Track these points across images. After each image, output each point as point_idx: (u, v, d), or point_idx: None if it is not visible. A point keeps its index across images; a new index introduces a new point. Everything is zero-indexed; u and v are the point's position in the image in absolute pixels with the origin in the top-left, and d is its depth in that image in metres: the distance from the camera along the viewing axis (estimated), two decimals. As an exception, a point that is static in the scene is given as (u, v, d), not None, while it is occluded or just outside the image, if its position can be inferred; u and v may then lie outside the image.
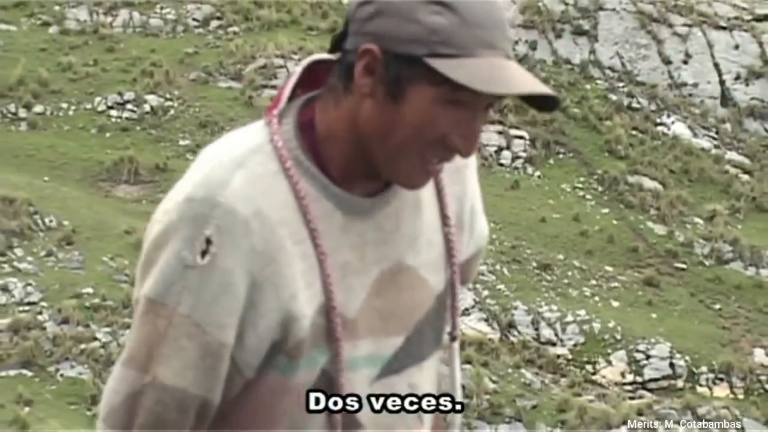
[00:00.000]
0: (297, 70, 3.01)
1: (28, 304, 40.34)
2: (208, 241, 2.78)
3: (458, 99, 2.81)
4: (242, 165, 2.86)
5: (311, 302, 2.88)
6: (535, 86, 2.79)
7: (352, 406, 2.99)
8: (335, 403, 2.96)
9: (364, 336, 2.99)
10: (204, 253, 2.79)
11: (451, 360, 3.20)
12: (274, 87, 52.46)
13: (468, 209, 3.23)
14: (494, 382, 39.91)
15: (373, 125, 2.86)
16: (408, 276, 3.05)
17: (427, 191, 3.07)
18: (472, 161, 3.21)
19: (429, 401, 3.16)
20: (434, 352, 3.18)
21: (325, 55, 3.03)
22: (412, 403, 3.11)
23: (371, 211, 2.98)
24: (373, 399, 3.03)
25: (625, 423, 39.85)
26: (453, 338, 3.17)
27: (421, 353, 3.12)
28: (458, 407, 3.24)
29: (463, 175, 3.18)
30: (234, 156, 2.89)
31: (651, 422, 39.94)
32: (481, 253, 3.37)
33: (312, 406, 2.95)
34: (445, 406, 3.24)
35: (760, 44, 59.07)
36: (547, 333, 43.36)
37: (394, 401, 3.06)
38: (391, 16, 2.80)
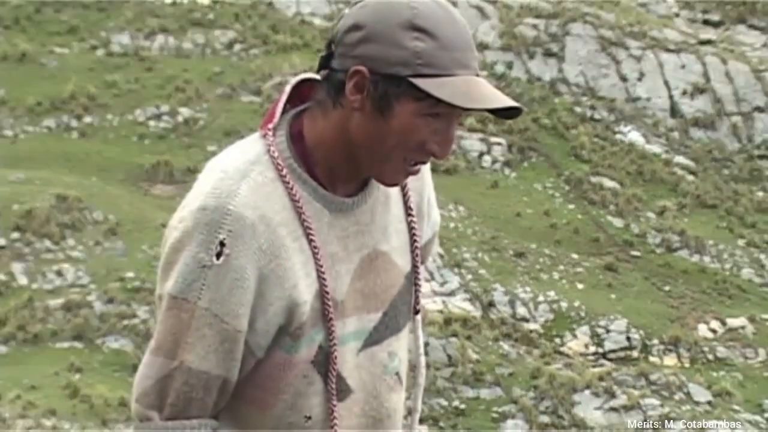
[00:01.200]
0: (286, 88, 3.10)
1: (79, 286, 40.31)
2: (222, 244, 2.88)
3: (437, 112, 2.92)
4: (246, 175, 2.96)
5: (309, 289, 2.98)
6: (503, 101, 2.94)
7: (343, 374, 3.07)
8: (330, 374, 3.04)
9: (350, 314, 3.08)
10: (219, 255, 2.87)
11: (415, 329, 3.29)
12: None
13: (426, 200, 3.35)
14: (476, 352, 39.87)
15: (362, 135, 2.95)
16: (383, 260, 3.15)
17: (394, 189, 3.19)
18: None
19: (402, 367, 3.24)
20: (407, 324, 3.26)
21: (309, 75, 3.11)
22: (391, 368, 3.19)
23: (351, 208, 3.08)
24: (359, 367, 3.11)
25: (588, 387, 39.85)
26: (416, 311, 3.26)
27: (397, 325, 3.21)
28: (423, 364, 3.33)
29: (421, 173, 3.20)
30: (238, 167, 2.97)
31: (610, 386, 39.92)
32: (436, 236, 3.50)
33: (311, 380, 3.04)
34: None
35: (703, 64, 59.01)
36: (521, 311, 43.32)
37: (376, 368, 3.14)
38: (378, 42, 2.88)
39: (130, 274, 40.55)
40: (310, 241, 2.98)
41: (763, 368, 43.30)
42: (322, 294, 2.99)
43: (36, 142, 49.25)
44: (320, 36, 56.76)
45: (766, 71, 60.38)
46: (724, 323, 45.56)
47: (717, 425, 38.83)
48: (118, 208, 43.85)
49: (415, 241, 3.23)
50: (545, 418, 38.82)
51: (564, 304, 44.22)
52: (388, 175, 3.01)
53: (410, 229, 3.23)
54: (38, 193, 44.01)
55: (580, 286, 45.93)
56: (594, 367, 41.55)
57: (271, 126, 3.06)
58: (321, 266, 2.99)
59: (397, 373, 3.22)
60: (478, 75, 2.97)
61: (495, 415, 38.26)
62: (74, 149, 48.98)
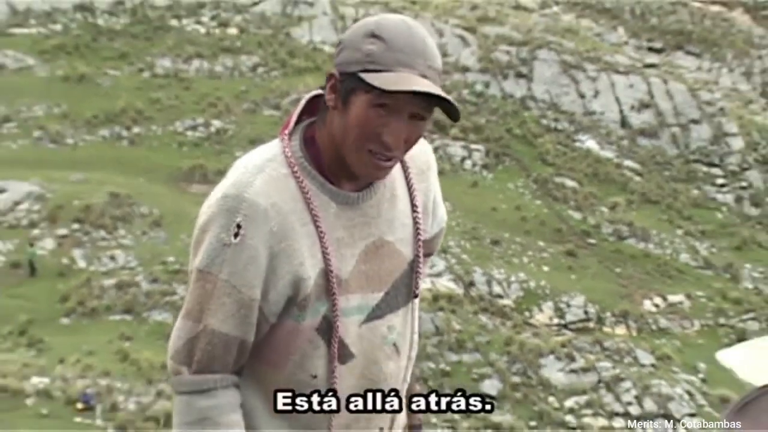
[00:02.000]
0: (301, 102, 3.15)
1: (128, 269, 40.29)
2: (239, 226, 2.95)
3: (384, 103, 2.91)
4: (262, 170, 3.03)
5: (314, 267, 3.02)
6: (425, 88, 2.87)
7: (346, 341, 3.10)
8: (333, 340, 3.07)
9: (354, 291, 3.10)
10: (236, 235, 2.95)
11: (412, 310, 3.29)
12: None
13: (431, 200, 3.35)
14: (459, 324, 39.84)
15: (336, 131, 3.02)
16: (387, 248, 3.17)
17: (401, 188, 3.22)
18: (434, 167, 3.36)
19: (400, 340, 3.24)
20: (407, 303, 3.26)
21: (320, 91, 3.11)
22: (390, 340, 3.20)
23: (357, 202, 3.10)
24: (362, 336, 3.13)
25: (552, 353, 39.80)
26: (415, 296, 3.27)
27: (397, 303, 3.21)
28: (416, 342, 3.35)
29: (426, 176, 3.32)
30: (255, 164, 3.05)
31: (570, 352, 39.88)
32: (443, 231, 3.49)
33: (315, 344, 3.09)
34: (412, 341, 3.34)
35: (648, 84, 58.96)
36: (497, 289, 43.27)
37: (376, 338, 3.16)
38: (347, 49, 2.98)
39: (171, 259, 40.52)
40: (317, 227, 3.02)
41: (697, 336, 43.30)
42: (327, 272, 3.03)
43: (92, 149, 49.21)
44: (329, 60, 56.67)
45: (700, 90, 60.35)
46: (665, 299, 45.55)
47: (659, 384, 38.79)
48: (161, 204, 43.82)
49: (419, 234, 3.24)
50: (516, 378, 38.78)
51: (532, 284, 44.19)
52: (361, 168, 3.02)
53: (415, 223, 3.24)
54: (94, 191, 43.98)
55: (545, 268, 45.90)
56: (557, 336, 41.51)
57: (286, 132, 3.11)
58: (326, 248, 3.03)
59: (394, 344, 3.22)
60: (425, 76, 2.94)
61: (475, 376, 38.23)
62: (124, 154, 48.95)
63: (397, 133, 2.96)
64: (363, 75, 2.91)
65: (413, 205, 3.25)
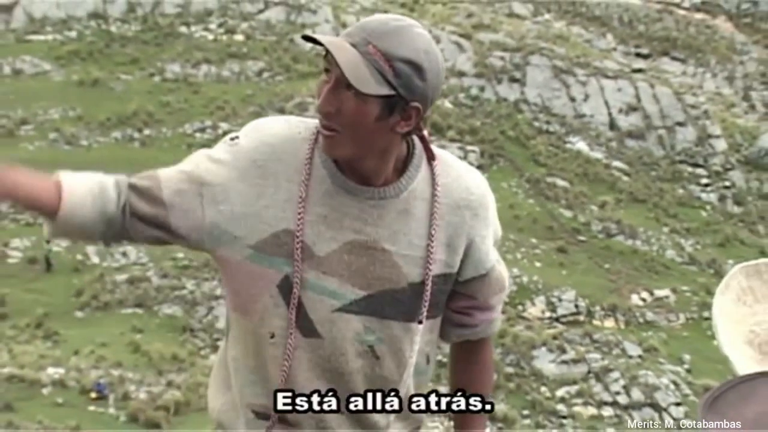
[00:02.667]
0: None
1: (140, 264, 40.34)
2: (237, 138, 3.06)
3: (326, 68, 2.93)
4: (288, 121, 3.13)
5: (278, 221, 2.99)
6: (321, 38, 2.86)
7: (311, 317, 3.05)
8: (292, 304, 3.03)
9: (332, 275, 3.03)
10: (233, 140, 3.07)
11: (413, 335, 3.13)
12: (307, 117, 52.25)
13: (463, 241, 3.14)
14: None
15: None
16: (382, 255, 3.05)
17: (422, 210, 3.07)
18: (480, 210, 3.19)
19: (382, 348, 3.12)
20: (404, 322, 3.11)
21: None
22: (365, 341, 3.11)
23: (356, 193, 3.02)
24: (332, 322, 3.05)
25: (544, 345, 39.86)
26: (419, 322, 3.11)
27: (382, 312, 3.08)
28: (410, 364, 3.18)
29: (461, 213, 3.14)
30: (288, 119, 3.17)
31: (562, 344, 39.94)
32: (485, 278, 3.22)
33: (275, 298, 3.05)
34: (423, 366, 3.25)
35: (635, 88, 59.00)
36: (491, 284, 43.32)
37: (349, 332, 3.08)
38: None
39: (180, 255, 40.54)
40: (300, 190, 3.00)
41: (683, 329, 43.33)
42: (293, 234, 3.00)
43: (105, 150, 49.25)
44: (331, 66, 56.78)
45: (684, 94, 60.39)
46: (652, 293, 45.59)
47: (646, 374, 38.82)
48: (170, 203, 43.86)
49: (429, 262, 3.08)
50: (510, 369, 38.80)
51: (525, 279, 44.20)
52: (328, 143, 3.01)
53: (427, 251, 3.09)
54: (107, 190, 44.03)
55: (537, 264, 45.93)
56: (549, 328, 41.54)
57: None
58: (301, 213, 3.00)
59: (371, 347, 3.11)
60: (349, 42, 2.92)
61: (470, 367, 38.23)
62: (136, 156, 48.93)
63: (321, 95, 2.95)
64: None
65: (429, 233, 3.09)
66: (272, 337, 3.08)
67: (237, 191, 3.00)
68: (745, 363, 2.45)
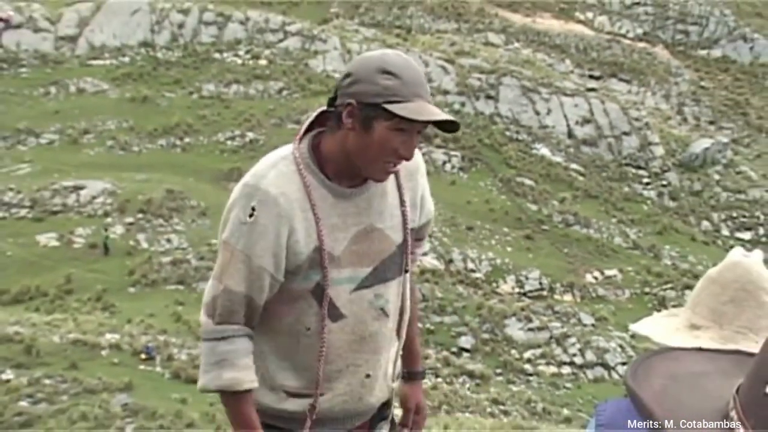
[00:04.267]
0: (310, 116, 3.19)
1: (181, 249, 40.31)
2: (254, 209, 2.99)
3: (402, 127, 2.95)
4: (275, 166, 3.09)
5: (308, 245, 3.04)
6: (441, 115, 2.96)
7: (337, 304, 3.13)
8: (324, 301, 3.10)
9: (346, 266, 3.11)
10: (251, 215, 2.99)
11: (404, 282, 3.31)
12: (318, 128, 52.49)
13: (419, 196, 3.33)
14: (441, 293, 39.87)
15: (355, 147, 3.01)
16: (377, 233, 3.17)
17: (391, 186, 3.22)
18: (422, 169, 3.37)
19: (389, 306, 3.25)
20: (398, 277, 3.26)
21: (325, 108, 3.16)
22: (377, 305, 3.21)
23: (351, 196, 3.11)
24: (351, 301, 3.14)
25: (514, 315, 39.83)
26: (405, 271, 3.29)
27: (386, 277, 3.21)
28: (408, 308, 3.40)
29: (415, 177, 3.32)
30: (271, 161, 3.11)
31: (528, 315, 39.91)
32: (431, 221, 3.47)
33: (309, 303, 3.11)
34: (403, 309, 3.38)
35: (589, 104, 58.96)
36: (471, 265, 43.28)
37: (364, 303, 3.17)
38: (361, 82, 2.95)
39: (214, 241, 40.20)
40: (314, 213, 3.04)
41: (627, 302, 43.35)
42: (320, 249, 3.05)
43: (152, 155, 49.21)
44: (339, 85, 56.79)
45: (629, 108, 60.34)
46: (602, 273, 45.58)
47: (598, 340, 38.82)
48: (206, 198, 43.80)
49: (406, 223, 3.24)
50: (486, 335, 38.78)
51: (498, 261, 44.20)
52: (374, 174, 3.06)
53: (403, 215, 3.24)
54: (154, 188, 43.99)
55: (508, 249, 45.91)
56: (518, 302, 41.53)
57: (297, 138, 3.16)
58: (320, 231, 3.05)
59: (381, 308, 3.22)
60: (429, 102, 3.00)
61: (453, 334, 38.25)
62: (178, 159, 48.95)
63: (411, 148, 3.00)
64: (388, 106, 2.92)
65: (401, 200, 3.25)
66: (308, 329, 3.14)
67: (279, 246, 3.03)
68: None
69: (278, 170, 3.06)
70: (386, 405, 3.45)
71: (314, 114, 3.20)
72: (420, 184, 3.36)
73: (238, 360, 3.07)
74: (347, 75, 3.01)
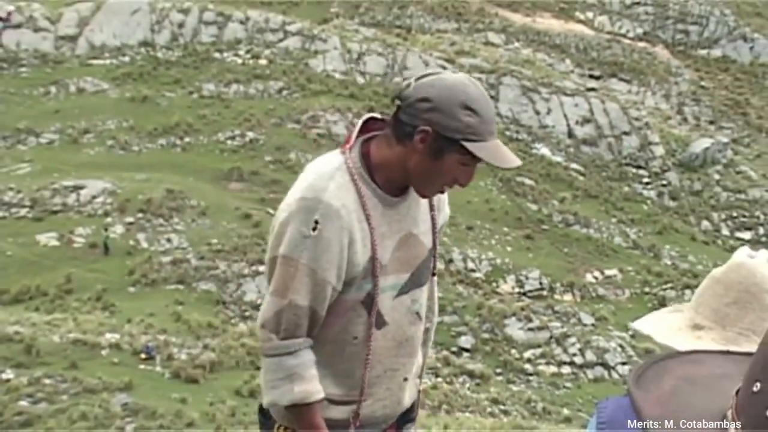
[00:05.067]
0: (359, 123, 3.21)
1: (181, 248, 40.31)
2: (317, 222, 2.98)
3: (470, 162, 3.07)
4: (333, 178, 3.07)
5: (364, 255, 3.08)
6: (516, 161, 3.13)
7: (382, 312, 3.19)
8: (373, 310, 3.16)
9: (390, 273, 3.17)
10: (314, 229, 2.98)
11: (432, 285, 3.43)
12: (319, 127, 52.44)
13: (442, 200, 3.42)
14: (441, 292, 39.81)
15: (418, 168, 3.07)
16: (414, 239, 3.24)
17: None
18: None
19: (422, 310, 3.35)
20: (428, 281, 3.36)
21: (374, 114, 3.23)
22: (413, 309, 3.29)
23: (396, 204, 3.17)
24: (393, 308, 3.21)
25: (514, 315, 39.86)
26: (433, 274, 3.40)
27: (421, 282, 3.30)
28: (435, 310, 3.53)
29: None
30: (327, 171, 3.09)
31: (528, 314, 39.93)
32: (446, 224, 3.54)
33: (359, 312, 3.17)
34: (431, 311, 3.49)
35: (589, 104, 58.98)
36: (471, 265, 43.29)
37: (403, 308, 3.24)
38: (442, 113, 2.98)
39: (214, 241, 40.54)
40: (369, 224, 3.08)
41: (627, 302, 43.38)
42: (373, 259, 3.10)
43: (153, 155, 49.21)
44: (339, 84, 56.75)
45: (629, 108, 60.37)
46: (602, 273, 45.60)
47: (598, 339, 38.84)
48: (206, 198, 43.82)
49: (435, 227, 3.35)
50: (486, 335, 38.82)
51: (498, 261, 44.22)
52: (426, 192, 3.16)
53: (432, 219, 3.34)
54: (154, 187, 43.99)
55: (508, 248, 45.93)
56: (518, 302, 41.56)
57: (348, 146, 3.15)
58: (374, 241, 3.09)
59: (417, 312, 3.31)
60: (497, 139, 3.11)
61: (453, 333, 38.27)
62: (178, 159, 48.94)
63: (471, 178, 3.12)
64: (466, 144, 3.00)
65: (431, 205, 3.33)
66: (355, 338, 3.19)
67: (342, 258, 3.05)
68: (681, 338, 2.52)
69: (337, 182, 3.07)
70: (413, 405, 3.53)
71: (361, 121, 3.22)
72: None
73: (306, 372, 3.11)
74: (426, 99, 3.02)
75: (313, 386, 3.10)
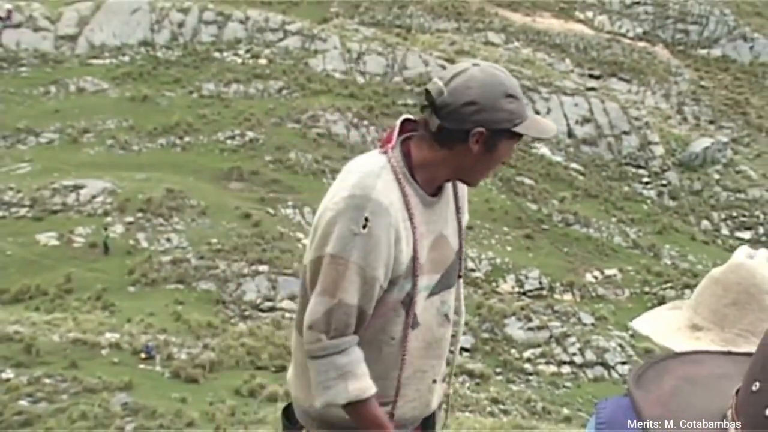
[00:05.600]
0: (397, 124, 3.23)
1: (181, 248, 40.31)
2: (367, 219, 2.97)
3: (517, 141, 3.17)
4: (380, 176, 3.07)
5: (408, 254, 3.09)
6: (554, 127, 3.23)
7: (417, 312, 3.20)
8: (411, 311, 3.17)
9: (425, 273, 3.17)
10: (365, 226, 2.96)
11: (459, 287, 3.41)
12: (319, 127, 52.46)
13: (465, 201, 3.46)
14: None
15: (472, 164, 3.13)
16: (444, 240, 3.26)
17: (450, 193, 3.35)
18: None
19: (450, 312, 3.37)
20: (456, 283, 3.37)
21: (409, 116, 3.24)
22: (442, 311, 3.31)
23: (433, 204, 3.20)
24: (425, 309, 3.21)
25: (514, 314, 39.87)
26: (459, 276, 3.39)
27: (449, 283, 3.31)
28: (463, 312, 3.48)
29: (463, 185, 3.42)
30: (373, 170, 3.08)
31: (528, 314, 39.95)
32: (466, 227, 3.53)
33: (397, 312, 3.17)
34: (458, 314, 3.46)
35: (589, 103, 59.01)
36: (471, 265, 43.30)
37: (433, 309, 3.26)
38: (489, 111, 3.04)
39: (214, 240, 40.54)
40: (412, 223, 3.10)
41: (627, 302, 43.39)
42: (415, 258, 3.10)
43: (152, 154, 49.22)
44: (339, 84, 56.76)
45: (629, 108, 60.39)
46: (602, 272, 45.61)
47: (598, 339, 38.84)
48: (206, 197, 43.83)
49: (461, 229, 3.38)
50: (486, 335, 38.82)
51: (498, 260, 44.22)
52: (477, 181, 3.24)
53: (459, 221, 3.38)
54: (154, 187, 44.00)
55: (508, 248, 45.94)
56: (518, 301, 41.56)
57: (390, 146, 3.17)
58: (416, 240, 3.10)
59: (445, 314, 3.32)
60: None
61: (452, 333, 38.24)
62: (178, 159, 48.95)
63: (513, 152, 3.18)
64: (517, 129, 3.07)
65: (458, 208, 3.38)
66: (392, 339, 3.19)
67: (389, 256, 3.05)
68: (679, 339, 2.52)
69: (384, 180, 3.07)
70: (438, 407, 3.55)
71: (399, 121, 3.23)
72: (464, 188, 3.47)
73: (358, 369, 3.09)
74: (471, 103, 3.04)
75: (366, 382, 3.08)
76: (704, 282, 2.52)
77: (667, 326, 2.59)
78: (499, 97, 3.03)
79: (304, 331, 3.12)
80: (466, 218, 3.47)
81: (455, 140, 3.07)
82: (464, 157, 3.10)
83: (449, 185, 3.30)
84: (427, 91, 3.10)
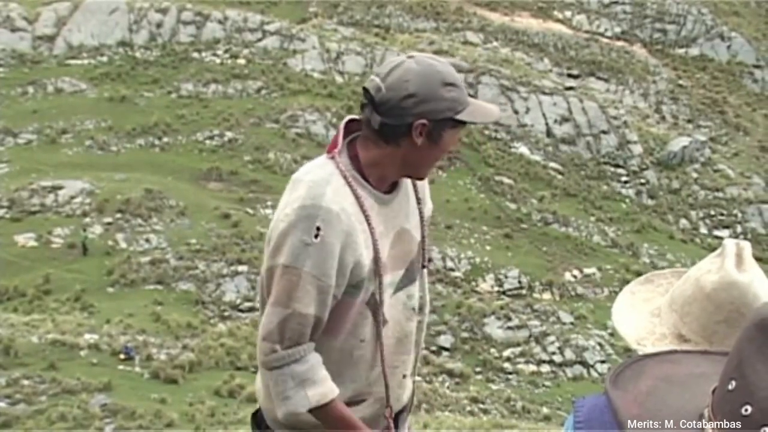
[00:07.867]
0: (341, 127, 3.19)
1: (160, 248, 40.24)
2: (318, 228, 2.94)
3: (461, 129, 3.13)
4: (329, 183, 3.03)
5: (368, 256, 3.06)
6: (497, 111, 3.20)
7: (383, 310, 3.18)
8: (378, 310, 3.16)
9: (388, 271, 3.16)
10: (317, 236, 2.94)
11: (423, 278, 3.38)
12: (298, 127, 52.44)
13: (425, 192, 3.41)
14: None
15: (419, 158, 3.10)
16: (406, 234, 3.25)
17: (409, 185, 3.32)
18: None
19: (417, 304, 3.34)
20: (420, 275, 3.34)
21: (354, 116, 3.21)
22: (409, 305, 3.30)
23: (389, 201, 3.18)
24: (391, 306, 3.21)
25: (493, 313, 39.95)
26: (424, 267, 3.36)
27: (413, 277, 3.30)
28: (428, 302, 3.44)
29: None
30: (323, 177, 3.05)
31: (508, 313, 40.03)
32: (431, 216, 3.51)
33: (364, 314, 3.15)
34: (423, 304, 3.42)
35: (568, 103, 59.16)
36: (450, 264, 43.36)
37: (400, 305, 3.25)
38: (430, 101, 3.02)
39: (193, 241, 40.48)
40: (369, 225, 3.07)
41: (606, 300, 43.47)
42: (376, 259, 3.09)
43: (131, 154, 49.10)
44: (318, 84, 56.74)
45: (608, 107, 60.57)
46: (581, 271, 45.74)
47: (577, 338, 38.96)
48: (185, 198, 43.75)
49: (423, 220, 3.34)
50: (465, 334, 38.87)
51: (477, 259, 44.28)
52: (425, 174, 3.21)
53: (420, 213, 3.34)
54: (133, 187, 43.90)
55: (488, 247, 46.00)
56: (497, 300, 41.63)
57: (337, 150, 3.14)
58: (375, 241, 3.08)
59: (413, 308, 3.31)
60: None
61: (433, 332, 38.28)
62: (156, 159, 48.84)
63: (457, 141, 3.16)
64: (459, 116, 3.05)
65: (418, 199, 3.34)
66: (362, 341, 3.18)
67: (344, 263, 3.02)
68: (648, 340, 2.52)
69: (333, 187, 3.04)
70: (409, 402, 3.54)
71: (343, 123, 3.21)
72: (426, 182, 3.45)
73: (316, 375, 3.06)
74: (409, 96, 3.02)
75: (326, 386, 3.06)
76: (693, 292, 2.48)
77: (650, 333, 2.58)
78: (438, 86, 3.01)
79: (258, 343, 3.09)
80: (429, 207, 3.45)
81: (399, 135, 3.04)
82: (410, 152, 3.07)
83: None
84: (365, 89, 3.08)
